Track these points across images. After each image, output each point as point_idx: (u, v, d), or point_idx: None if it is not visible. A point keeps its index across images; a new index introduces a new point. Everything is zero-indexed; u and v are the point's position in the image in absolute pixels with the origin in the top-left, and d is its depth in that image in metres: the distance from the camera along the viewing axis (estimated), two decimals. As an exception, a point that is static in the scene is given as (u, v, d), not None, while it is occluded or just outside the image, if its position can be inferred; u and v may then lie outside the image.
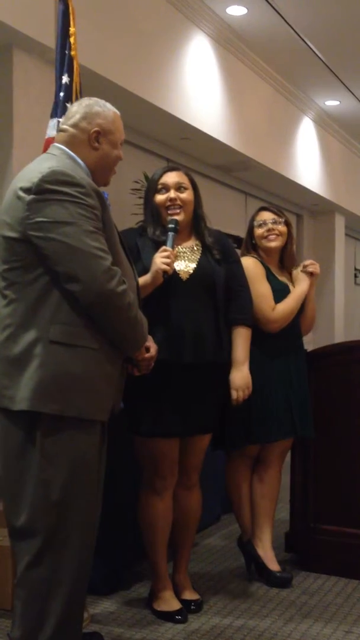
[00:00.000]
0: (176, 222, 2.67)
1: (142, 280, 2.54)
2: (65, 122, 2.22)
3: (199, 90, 5.52)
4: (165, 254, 2.57)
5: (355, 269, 10.82)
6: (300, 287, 3.11)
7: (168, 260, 2.56)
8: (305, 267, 3.15)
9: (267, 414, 2.97)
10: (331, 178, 8.45)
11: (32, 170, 2.06)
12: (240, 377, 2.75)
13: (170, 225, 2.66)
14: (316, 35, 5.90)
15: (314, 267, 3.14)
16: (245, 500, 3.12)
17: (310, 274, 3.13)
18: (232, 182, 7.26)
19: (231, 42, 5.90)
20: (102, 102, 2.24)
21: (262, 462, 3.11)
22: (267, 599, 2.92)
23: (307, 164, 7.78)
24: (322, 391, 3.21)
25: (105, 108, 2.21)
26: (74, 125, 2.18)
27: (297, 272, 3.16)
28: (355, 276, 10.79)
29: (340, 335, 8.79)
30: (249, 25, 5.71)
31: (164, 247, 2.60)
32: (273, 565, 3.07)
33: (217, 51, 5.78)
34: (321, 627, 2.68)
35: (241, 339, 2.78)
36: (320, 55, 6.27)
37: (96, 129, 2.16)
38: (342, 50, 6.23)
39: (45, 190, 1.98)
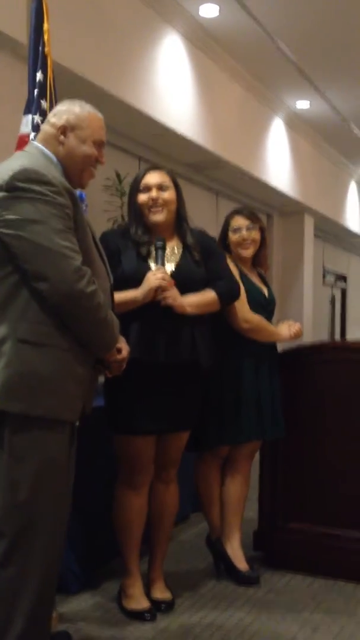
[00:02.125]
0: (163, 240, 2.68)
1: (132, 294, 2.57)
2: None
3: (171, 88, 5.53)
4: (161, 275, 2.58)
5: (324, 269, 10.93)
6: (278, 333, 3.12)
7: (162, 282, 2.57)
8: (290, 327, 3.15)
9: (238, 415, 2.99)
10: (301, 179, 8.51)
11: (4, 168, 2.04)
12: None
13: (159, 243, 2.66)
14: (287, 36, 5.94)
15: (297, 333, 3.15)
16: (214, 499, 3.14)
17: (291, 336, 3.14)
18: (204, 181, 7.28)
19: (203, 42, 5.91)
20: (80, 102, 2.23)
21: (232, 461, 3.14)
22: (235, 597, 2.94)
23: (277, 164, 7.83)
24: (291, 391, 3.24)
25: (79, 105, 2.20)
26: (46, 122, 2.21)
27: (282, 324, 3.18)
28: (324, 276, 10.90)
29: (308, 334, 8.87)
30: (221, 25, 5.72)
31: (159, 267, 2.61)
32: (241, 564, 3.10)
33: (189, 50, 5.79)
34: (289, 624, 2.71)
35: (201, 293, 2.72)
36: (291, 56, 6.31)
37: (63, 123, 2.15)
38: (313, 52, 6.27)
39: (16, 188, 1.97)
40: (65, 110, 2.18)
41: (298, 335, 3.16)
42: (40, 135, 2.21)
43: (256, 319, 3.04)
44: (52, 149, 2.15)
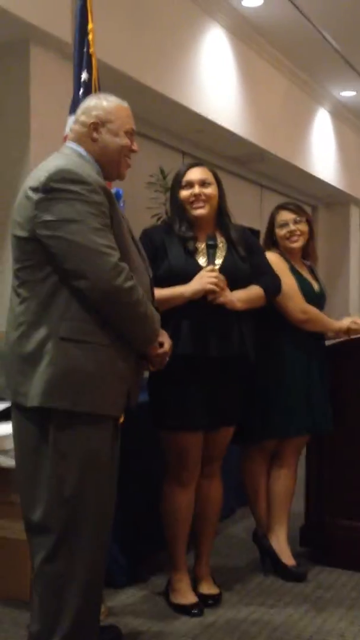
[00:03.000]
0: (216, 239, 2.71)
1: (179, 290, 2.60)
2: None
3: (214, 82, 5.51)
4: (215, 274, 2.60)
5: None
6: (337, 324, 3.14)
7: (216, 281, 2.59)
8: (354, 327, 3.17)
9: (286, 408, 2.99)
10: (347, 170, 8.41)
11: (40, 170, 2.07)
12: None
13: (212, 242, 2.68)
14: (331, 26, 5.85)
15: (356, 331, 3.17)
16: (261, 494, 3.14)
17: (348, 332, 3.16)
18: (248, 174, 7.25)
19: (246, 34, 5.87)
20: (104, 95, 2.25)
21: (279, 456, 3.13)
22: (282, 593, 2.94)
23: (322, 155, 7.74)
24: (339, 385, 3.21)
25: (104, 99, 2.21)
26: (76, 121, 2.22)
27: (348, 319, 3.20)
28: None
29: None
30: (264, 17, 5.68)
31: (212, 267, 2.63)
32: (288, 560, 3.09)
33: (232, 43, 5.76)
34: (336, 621, 2.70)
35: (248, 289, 2.74)
36: (335, 45, 6.22)
37: (93, 120, 2.17)
38: (358, 40, 6.18)
39: (52, 189, 1.99)
40: (93, 107, 2.20)
41: (358, 331, 3.15)
42: (72, 135, 2.23)
43: (313, 310, 3.05)
44: (86, 147, 2.17)
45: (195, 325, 2.61)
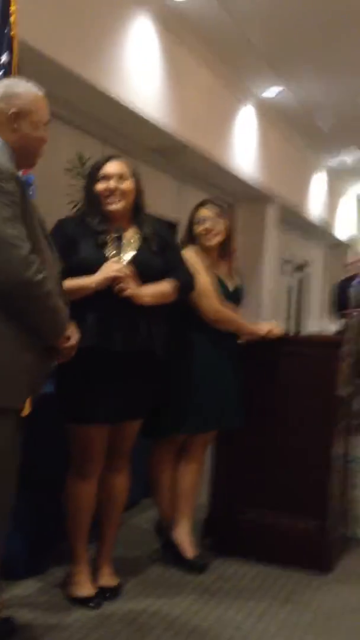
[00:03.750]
0: (121, 230, 2.68)
1: (85, 281, 2.56)
2: None
3: (139, 71, 5.47)
4: (118, 266, 2.57)
5: (283, 259, 11.00)
6: (252, 327, 3.19)
7: (120, 272, 2.56)
8: (272, 329, 3.23)
9: (198, 405, 3.01)
10: (267, 167, 8.54)
11: None
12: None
13: (117, 233, 2.65)
14: (258, 24, 5.92)
15: (274, 335, 3.21)
16: (167, 487, 3.15)
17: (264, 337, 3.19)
18: (168, 166, 7.24)
19: (174, 26, 5.86)
20: (23, 82, 2.19)
21: (188, 449, 3.15)
22: (183, 584, 2.96)
23: (244, 152, 7.83)
24: (251, 382, 3.25)
25: (25, 88, 2.16)
26: None
27: (267, 325, 3.25)
28: (283, 266, 10.98)
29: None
30: (192, 11, 5.69)
31: (118, 258, 2.61)
32: (190, 551, 3.12)
33: (159, 34, 5.73)
34: (235, 612, 2.74)
35: (158, 284, 2.71)
36: (261, 44, 6.29)
37: (14, 110, 2.11)
38: (283, 40, 6.28)
39: None
40: (14, 95, 2.14)
41: (272, 337, 3.20)
42: None
43: (227, 310, 3.07)
44: (3, 136, 2.11)
45: (101, 319, 2.58)
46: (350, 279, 7.38)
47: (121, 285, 2.57)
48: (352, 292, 7.14)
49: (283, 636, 2.57)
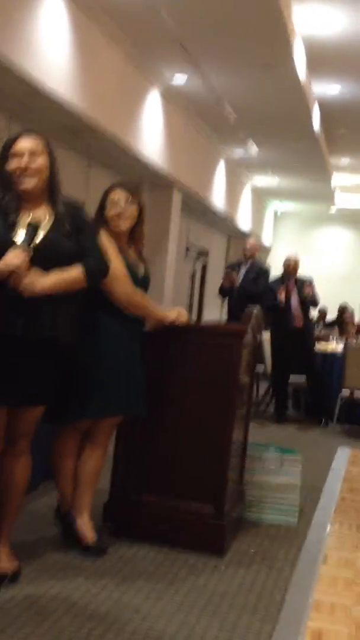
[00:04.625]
0: (38, 224, 2.61)
1: None
2: None
3: (49, 46, 5.35)
4: (18, 260, 2.50)
5: (187, 244, 11.11)
6: (161, 313, 3.23)
7: (15, 264, 2.49)
8: (180, 315, 3.27)
9: (104, 390, 3.01)
10: (172, 153, 8.56)
11: None
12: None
13: (32, 223, 2.59)
14: (171, 8, 5.90)
15: (181, 322, 3.27)
16: (69, 471, 3.15)
17: (173, 322, 3.23)
18: (76, 146, 7.14)
19: (87, 5, 5.76)
20: None
21: (92, 436, 3.15)
22: (82, 568, 2.97)
23: (150, 136, 7.82)
24: (153, 368, 3.28)
25: None
26: None
27: (174, 310, 3.30)
28: (187, 251, 11.09)
29: (168, 307, 8.99)
30: (105, -11, 5.60)
31: (22, 248, 2.53)
32: (90, 536, 3.13)
33: (71, 11, 5.62)
34: (133, 594, 2.79)
35: (65, 271, 2.66)
36: (172, 29, 6.28)
37: None
38: (194, 27, 6.28)
39: None
40: None
41: (181, 324, 3.23)
42: None
43: (139, 294, 3.07)
44: None
45: (4, 304, 2.54)
46: (239, 263, 7.56)
47: (14, 279, 2.51)
48: (239, 275, 7.31)
49: (180, 617, 2.64)
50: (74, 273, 2.69)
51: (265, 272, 7.45)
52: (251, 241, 7.88)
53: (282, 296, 6.87)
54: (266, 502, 3.82)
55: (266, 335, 7.12)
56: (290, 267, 7.17)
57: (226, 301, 7.71)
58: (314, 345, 7.36)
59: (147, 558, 3.17)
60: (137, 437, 3.36)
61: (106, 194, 3.14)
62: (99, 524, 3.30)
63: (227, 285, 7.30)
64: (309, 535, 3.64)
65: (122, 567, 3.03)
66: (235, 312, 6.63)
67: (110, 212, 3.10)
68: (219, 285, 7.66)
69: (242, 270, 7.37)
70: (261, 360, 7.32)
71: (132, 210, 3.12)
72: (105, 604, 2.68)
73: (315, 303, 7.21)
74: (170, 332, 3.30)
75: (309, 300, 7.04)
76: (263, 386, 7.78)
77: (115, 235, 3.12)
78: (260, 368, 7.30)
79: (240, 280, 7.29)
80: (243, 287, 7.20)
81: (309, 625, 2.63)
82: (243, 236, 14.11)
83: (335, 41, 7.15)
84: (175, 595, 2.82)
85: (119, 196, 3.10)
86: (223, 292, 7.51)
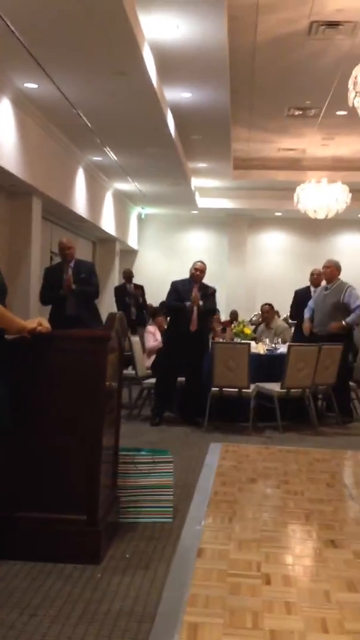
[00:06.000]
0: None
1: None
2: None
3: None
4: None
5: (51, 252, 10.97)
6: (22, 323, 3.17)
7: None
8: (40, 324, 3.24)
9: None
10: (29, 161, 8.44)
11: None
12: None
13: None
14: (18, 15, 5.82)
15: (42, 331, 3.23)
16: None
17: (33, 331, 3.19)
18: None
19: None
20: None
21: None
22: None
23: (4, 144, 7.66)
24: (19, 378, 3.22)
25: None
26: None
27: (35, 320, 3.26)
28: (51, 259, 10.95)
29: (35, 316, 8.83)
30: None
31: None
32: None
33: None
34: (7, 612, 2.72)
35: None
36: (19, 36, 6.20)
37: None
38: (42, 34, 6.23)
39: None
40: None
41: (41, 333, 3.20)
42: None
43: None
44: None
45: None
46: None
47: None
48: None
49: (55, 630, 2.61)
50: None
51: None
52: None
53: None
54: (141, 505, 3.86)
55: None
56: (196, 274, 7.27)
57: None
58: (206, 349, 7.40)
59: (20, 574, 3.10)
60: (6, 450, 3.29)
61: None
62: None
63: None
64: (183, 531, 3.70)
65: (-6, 586, 2.96)
66: None
67: None
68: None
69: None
70: (131, 363, 7.36)
71: None
72: (-22, 626, 2.61)
73: (213, 311, 7.46)
74: (35, 340, 3.25)
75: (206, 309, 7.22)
76: (135, 390, 7.84)
77: None
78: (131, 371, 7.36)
79: None
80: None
81: (185, 619, 2.68)
82: (110, 240, 14.19)
83: (182, 48, 7.33)
84: (50, 608, 2.78)
85: None
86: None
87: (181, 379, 7.24)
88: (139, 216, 16.73)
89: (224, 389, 6.83)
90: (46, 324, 3.30)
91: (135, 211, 16.29)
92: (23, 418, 3.22)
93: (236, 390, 6.81)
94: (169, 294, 7.35)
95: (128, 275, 12.13)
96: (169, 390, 7.27)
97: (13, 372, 3.18)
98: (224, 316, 13.11)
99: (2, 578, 3.05)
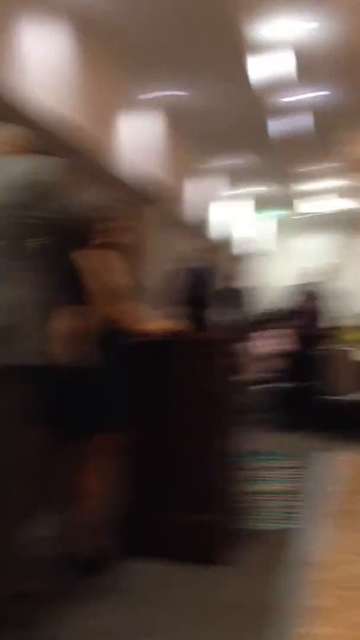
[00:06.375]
0: None
1: None
2: None
3: None
4: None
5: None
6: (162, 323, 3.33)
7: None
8: None
9: None
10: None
11: None
12: None
13: None
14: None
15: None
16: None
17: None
18: None
19: None
20: None
21: None
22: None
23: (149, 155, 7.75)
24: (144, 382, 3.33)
25: None
26: None
27: None
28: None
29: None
30: None
31: None
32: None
33: None
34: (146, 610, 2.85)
35: None
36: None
37: None
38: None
39: None
40: None
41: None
42: None
43: None
44: None
45: None
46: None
47: None
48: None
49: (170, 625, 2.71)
50: None
51: None
52: None
53: None
54: (266, 510, 3.82)
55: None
56: None
57: None
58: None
59: (144, 572, 3.22)
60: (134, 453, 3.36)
61: None
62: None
63: None
64: (303, 539, 3.67)
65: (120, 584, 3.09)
66: None
67: None
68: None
69: None
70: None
71: None
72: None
73: None
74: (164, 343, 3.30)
75: None
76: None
77: None
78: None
79: None
80: None
81: (296, 630, 2.67)
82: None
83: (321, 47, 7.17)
84: (179, 608, 2.88)
85: None
86: None
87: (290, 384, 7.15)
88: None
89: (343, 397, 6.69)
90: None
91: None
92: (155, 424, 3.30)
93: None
94: None
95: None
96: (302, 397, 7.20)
97: (133, 374, 3.27)
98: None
99: (138, 576, 3.18)
